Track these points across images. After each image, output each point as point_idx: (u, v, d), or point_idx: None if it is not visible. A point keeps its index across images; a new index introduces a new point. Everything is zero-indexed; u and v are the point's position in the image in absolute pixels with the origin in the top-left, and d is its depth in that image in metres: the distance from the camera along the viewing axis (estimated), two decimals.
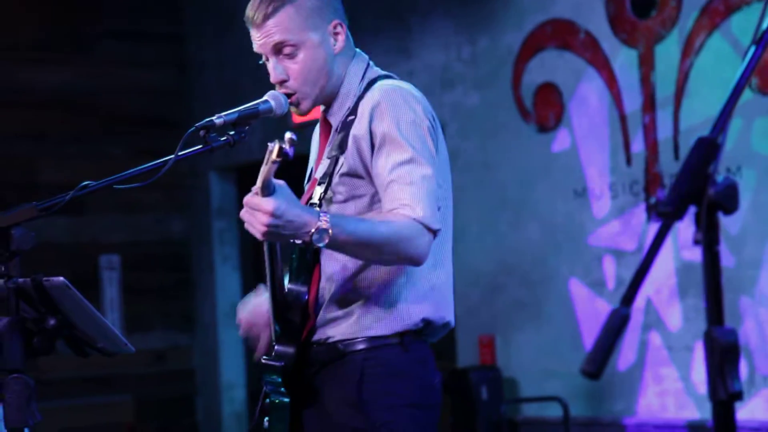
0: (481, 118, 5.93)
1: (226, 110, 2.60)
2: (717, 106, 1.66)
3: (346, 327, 2.63)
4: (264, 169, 2.34)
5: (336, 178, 2.62)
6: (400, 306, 2.60)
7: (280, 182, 2.38)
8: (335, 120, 2.71)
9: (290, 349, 2.62)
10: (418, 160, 2.51)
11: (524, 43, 5.74)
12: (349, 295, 2.62)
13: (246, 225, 2.42)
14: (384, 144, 2.55)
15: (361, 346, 2.61)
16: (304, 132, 2.91)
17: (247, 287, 7.53)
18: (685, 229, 5.10)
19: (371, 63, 2.74)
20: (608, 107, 5.43)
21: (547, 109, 5.66)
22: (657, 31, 5.26)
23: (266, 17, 2.63)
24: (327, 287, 2.64)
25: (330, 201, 2.62)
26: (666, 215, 1.55)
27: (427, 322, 2.63)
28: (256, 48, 2.69)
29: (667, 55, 5.20)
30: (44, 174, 7.06)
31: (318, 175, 2.68)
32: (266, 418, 2.66)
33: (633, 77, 5.34)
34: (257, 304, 2.78)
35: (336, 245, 2.44)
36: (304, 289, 2.63)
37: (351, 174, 2.60)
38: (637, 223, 5.32)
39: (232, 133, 2.61)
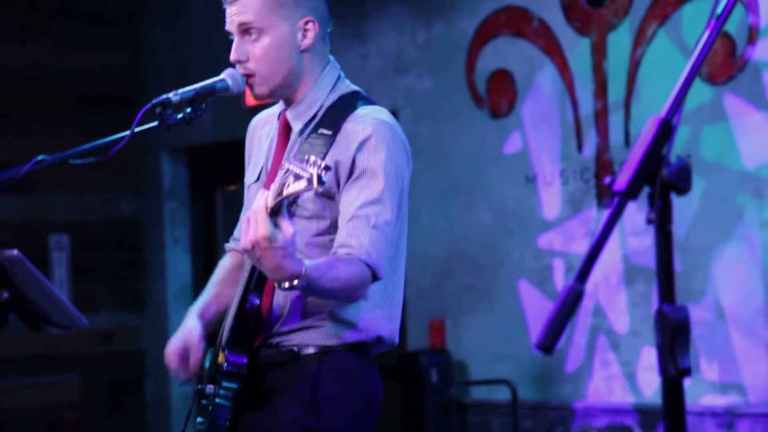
0: (435, 104, 5.94)
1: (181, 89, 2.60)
2: (667, 94, 1.68)
3: (301, 337, 2.66)
4: (291, 189, 2.31)
5: (307, 193, 2.61)
6: (359, 323, 2.66)
7: (289, 228, 2.37)
8: (297, 124, 2.70)
9: (244, 358, 2.64)
10: (386, 205, 2.57)
11: (478, 30, 5.76)
12: (307, 309, 2.65)
13: (244, 228, 2.40)
14: (362, 177, 2.57)
15: (315, 350, 2.65)
16: (257, 111, 2.91)
17: (198, 269, 7.51)
18: (632, 215, 5.16)
19: (342, 75, 2.74)
20: (560, 95, 5.47)
21: (500, 95, 5.69)
22: (610, 19, 5.31)
23: None
24: (283, 300, 2.66)
25: (293, 214, 2.60)
26: (619, 195, 1.57)
27: (379, 339, 2.69)
28: (227, 25, 2.68)
29: (619, 44, 5.25)
30: None
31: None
32: (199, 419, 2.69)
33: (585, 65, 5.38)
34: (188, 329, 2.82)
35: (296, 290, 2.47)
36: (256, 299, 2.65)
37: (324, 194, 2.60)
38: (587, 212, 5.37)
39: (188, 110, 2.60)
